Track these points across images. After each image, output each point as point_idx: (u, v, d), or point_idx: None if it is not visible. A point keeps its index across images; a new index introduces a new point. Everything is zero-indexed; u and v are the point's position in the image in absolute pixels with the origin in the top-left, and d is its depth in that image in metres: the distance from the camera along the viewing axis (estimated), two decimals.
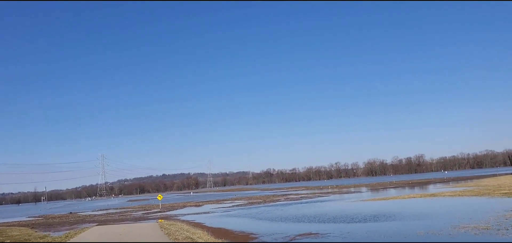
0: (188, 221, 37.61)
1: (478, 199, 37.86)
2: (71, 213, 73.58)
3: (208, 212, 49.00)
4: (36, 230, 39.35)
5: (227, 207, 57.58)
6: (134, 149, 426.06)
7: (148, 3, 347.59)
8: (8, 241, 25.13)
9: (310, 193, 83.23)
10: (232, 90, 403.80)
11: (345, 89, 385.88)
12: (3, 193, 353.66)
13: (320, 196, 67.96)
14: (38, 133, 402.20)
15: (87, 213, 70.38)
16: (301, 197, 70.39)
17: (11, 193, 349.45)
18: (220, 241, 21.89)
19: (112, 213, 61.24)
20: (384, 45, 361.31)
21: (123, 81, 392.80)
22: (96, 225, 38.15)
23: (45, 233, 35.03)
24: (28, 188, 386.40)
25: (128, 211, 64.93)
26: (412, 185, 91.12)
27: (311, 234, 22.36)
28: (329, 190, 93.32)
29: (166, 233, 25.04)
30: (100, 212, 68.21)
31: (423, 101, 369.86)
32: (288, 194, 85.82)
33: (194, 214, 48.20)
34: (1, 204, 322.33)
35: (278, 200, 64.19)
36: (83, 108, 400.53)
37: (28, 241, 25.82)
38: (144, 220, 42.73)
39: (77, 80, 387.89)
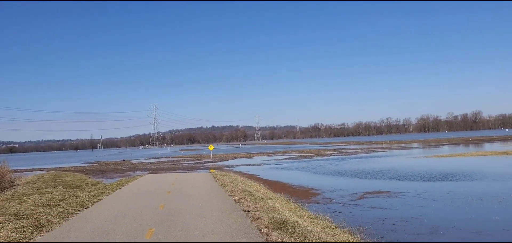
0: (241, 172, 36.21)
1: None
2: (124, 160, 75.06)
3: (260, 164, 47.59)
4: (89, 176, 39.55)
5: (279, 159, 56.03)
6: (185, 100, 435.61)
7: None
8: (60, 187, 24.66)
9: (364, 148, 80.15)
10: (279, 43, 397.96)
11: (397, 43, 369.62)
12: (63, 140, 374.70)
13: (376, 151, 64.88)
14: (95, 83, 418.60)
15: (139, 161, 71.43)
16: (354, 151, 67.59)
17: (70, 140, 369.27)
18: (279, 195, 20.03)
19: (164, 162, 61.48)
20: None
21: (175, 34, 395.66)
22: (148, 173, 37.66)
23: (98, 179, 34.89)
24: (85, 135, 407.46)
25: (179, 160, 65.07)
26: (473, 142, 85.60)
27: (381, 192, 19.93)
28: (383, 145, 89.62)
29: (221, 185, 23.49)
30: (152, 161, 68.95)
31: (481, 55, 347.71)
32: (340, 149, 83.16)
33: (246, 165, 46.97)
34: (61, 150, 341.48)
35: (330, 154, 61.86)
36: (138, 60, 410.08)
37: (80, 186, 25.26)
38: (196, 169, 41.92)
39: (132, 33, 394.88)
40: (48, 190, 22.77)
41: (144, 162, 64.67)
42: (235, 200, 16.98)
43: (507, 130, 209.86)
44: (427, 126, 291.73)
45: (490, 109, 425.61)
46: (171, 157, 79.54)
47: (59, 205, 16.45)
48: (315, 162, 46.91)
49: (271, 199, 18.16)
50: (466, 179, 23.37)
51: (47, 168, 59.18)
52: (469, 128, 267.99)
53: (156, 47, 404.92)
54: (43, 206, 16.16)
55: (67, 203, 16.83)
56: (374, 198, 18.08)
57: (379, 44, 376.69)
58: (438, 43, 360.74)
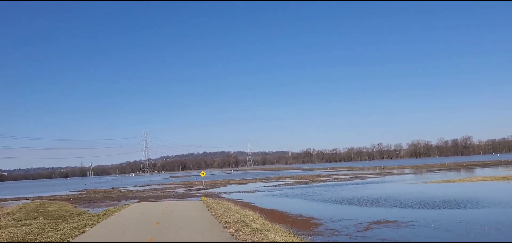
0: (234, 200, 34.60)
1: None
2: (113, 188, 72.90)
3: (254, 191, 45.96)
4: (76, 205, 37.76)
5: (273, 186, 54.43)
6: (176, 126, 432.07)
7: None
8: (41, 218, 22.91)
9: (358, 174, 78.85)
10: (271, 69, 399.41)
11: (388, 68, 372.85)
12: (53, 167, 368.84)
13: (371, 177, 63.58)
14: (85, 110, 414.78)
15: (129, 188, 69.38)
16: (350, 177, 66.26)
17: (60, 167, 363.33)
18: (278, 226, 18.53)
19: (154, 189, 59.56)
20: (429, 24, 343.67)
21: (165, 59, 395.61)
22: (137, 202, 35.93)
23: (84, 209, 33.18)
24: (75, 163, 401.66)
25: (170, 187, 63.15)
26: (468, 167, 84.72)
27: (387, 222, 18.53)
28: (377, 171, 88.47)
29: (214, 214, 21.96)
30: (142, 188, 66.95)
31: (471, 80, 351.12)
32: (335, 174, 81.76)
33: (239, 192, 45.29)
34: (51, 178, 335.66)
35: (326, 180, 60.42)
36: (128, 86, 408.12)
37: (63, 217, 23.55)
38: (187, 197, 40.23)
39: (122, 59, 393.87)
40: (27, 222, 21.04)
41: (134, 190, 62.67)
42: (230, 232, 15.51)
43: (498, 154, 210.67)
44: (418, 151, 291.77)
45: (480, 135, 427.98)
46: (162, 184, 77.49)
47: (36, 239, 14.85)
48: (311, 188, 45.46)
49: (270, 231, 16.69)
50: (475, 207, 22.07)
51: (33, 196, 56.99)
52: (459, 153, 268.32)
53: (146, 73, 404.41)
54: (18, 242, 14.53)
55: (45, 237, 15.21)
56: (382, 229, 16.66)
57: (370, 69, 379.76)
58: (428, 68, 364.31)
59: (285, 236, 15.40)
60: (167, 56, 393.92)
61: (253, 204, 30.11)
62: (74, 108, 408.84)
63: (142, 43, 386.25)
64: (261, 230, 16.45)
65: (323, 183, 53.78)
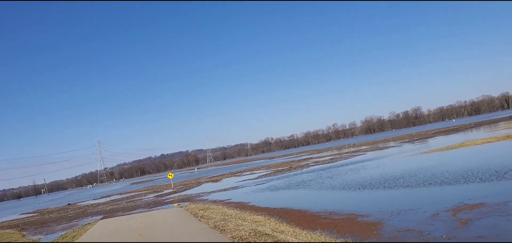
0: (222, 201, 28.58)
1: None
2: (69, 204, 64.37)
3: (236, 187, 40.00)
4: (24, 233, 30.46)
5: (252, 179, 48.61)
6: (130, 131, 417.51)
7: None
8: None
9: (336, 154, 74.66)
10: (223, 62, 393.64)
11: (337, 49, 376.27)
12: (4, 189, 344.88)
13: (354, 156, 59.11)
14: (33, 126, 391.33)
15: (88, 202, 61.33)
16: (330, 159, 61.68)
17: (12, 189, 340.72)
18: (317, 234, 12.88)
19: (118, 200, 52.18)
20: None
21: (112, 67, 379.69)
22: (102, 219, 29.29)
23: (35, 237, 26.24)
24: (28, 182, 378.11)
25: (135, 195, 55.77)
26: (439, 134, 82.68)
27: (473, 206, 13.11)
28: (352, 149, 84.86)
29: (213, 226, 16.00)
30: (103, 200, 59.14)
31: (415, 52, 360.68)
32: (310, 158, 77.15)
33: (220, 191, 39.16)
34: (2, 201, 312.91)
35: (307, 166, 55.32)
36: (76, 96, 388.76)
37: None
38: (161, 205, 33.74)
39: (67, 67, 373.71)
40: None
41: (94, 203, 54.92)
42: None
43: (453, 120, 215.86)
44: (372, 127, 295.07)
45: (429, 104, 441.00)
46: (125, 193, 69.80)
47: None
48: (297, 176, 40.18)
49: None
50: None
51: None
52: (411, 124, 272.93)
53: (94, 81, 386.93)
54: None
55: None
56: (483, 220, 11.38)
57: (316, 52, 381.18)
58: (373, 42, 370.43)
59: None
60: (114, 63, 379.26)
61: (250, 204, 24.22)
62: (21, 125, 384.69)
63: (87, 51, 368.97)
64: None
65: (307, 169, 48.69)
